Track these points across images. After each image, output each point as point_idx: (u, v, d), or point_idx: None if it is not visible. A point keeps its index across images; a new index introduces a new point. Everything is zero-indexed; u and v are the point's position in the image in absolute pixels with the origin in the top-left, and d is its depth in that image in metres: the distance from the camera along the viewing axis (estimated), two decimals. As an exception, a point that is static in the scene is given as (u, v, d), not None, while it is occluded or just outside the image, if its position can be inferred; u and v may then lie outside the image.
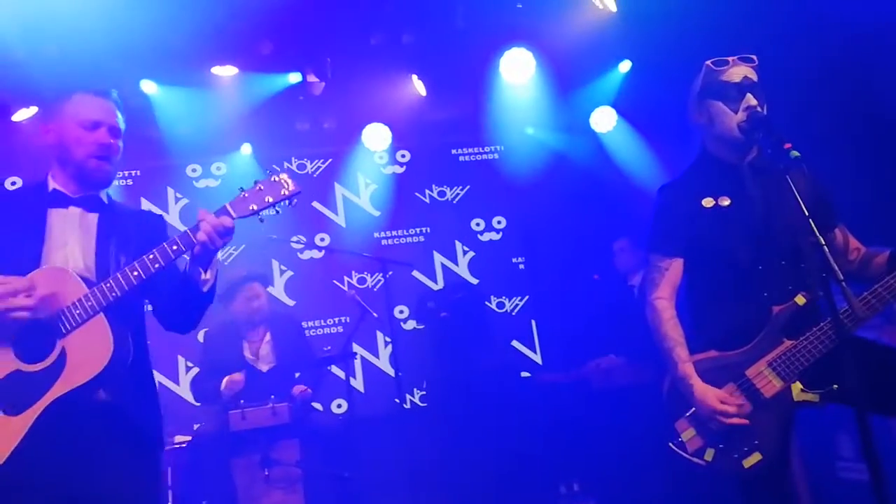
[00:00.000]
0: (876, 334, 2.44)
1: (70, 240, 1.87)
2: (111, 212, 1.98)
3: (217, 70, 4.35)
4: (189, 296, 1.87)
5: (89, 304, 1.71)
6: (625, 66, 4.71)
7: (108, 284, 1.73)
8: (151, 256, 1.75)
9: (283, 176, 1.83)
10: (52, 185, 1.93)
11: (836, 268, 1.69)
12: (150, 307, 2.05)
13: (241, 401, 3.64)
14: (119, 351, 1.72)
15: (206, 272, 1.86)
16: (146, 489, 1.83)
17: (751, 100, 2.06)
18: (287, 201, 1.83)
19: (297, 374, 4.00)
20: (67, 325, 1.72)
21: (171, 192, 5.17)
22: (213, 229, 1.76)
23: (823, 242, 1.72)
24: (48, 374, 1.69)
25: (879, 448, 1.63)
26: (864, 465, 1.64)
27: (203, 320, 4.42)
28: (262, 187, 1.82)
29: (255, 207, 1.81)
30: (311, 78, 4.45)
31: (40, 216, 1.87)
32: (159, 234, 1.99)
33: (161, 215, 2.04)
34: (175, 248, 1.77)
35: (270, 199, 1.81)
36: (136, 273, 1.74)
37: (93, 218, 1.93)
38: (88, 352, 1.70)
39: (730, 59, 2.13)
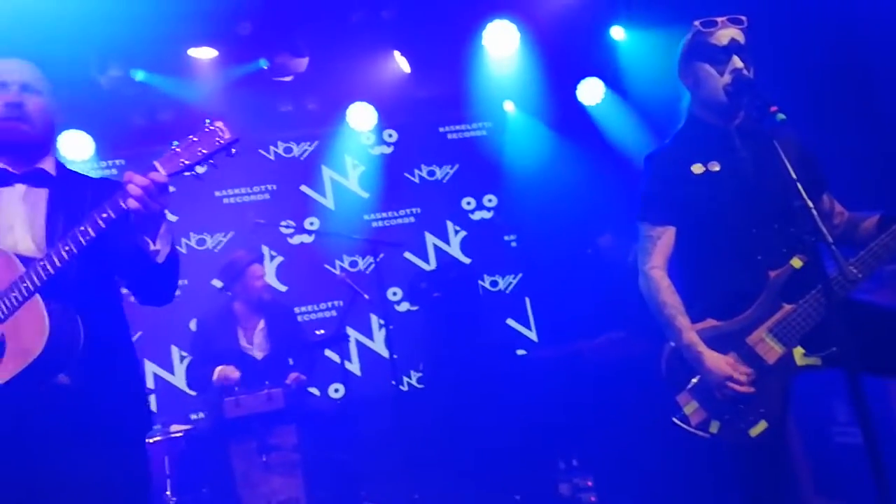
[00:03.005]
0: (871, 297, 2.42)
1: (17, 219, 1.75)
2: (62, 184, 1.83)
3: (194, 52, 4.26)
4: (145, 269, 1.71)
5: (24, 285, 1.60)
6: (617, 32, 4.63)
7: (42, 263, 1.61)
8: (82, 228, 1.60)
9: (219, 124, 1.64)
10: None
11: (826, 231, 1.67)
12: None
13: (236, 387, 3.63)
14: (59, 333, 1.59)
15: (154, 242, 1.68)
16: (118, 479, 1.70)
17: (737, 62, 2.02)
18: (223, 152, 1.64)
19: (290, 361, 3.99)
20: (5, 310, 1.62)
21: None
22: (144, 191, 1.58)
23: (812, 205, 1.69)
24: None
25: (873, 412, 1.61)
26: (858, 430, 1.63)
27: (195, 308, 4.44)
28: (194, 139, 1.63)
29: (187, 162, 1.62)
30: (282, 59, 4.37)
31: None
32: None
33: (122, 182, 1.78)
34: (105, 216, 1.61)
35: (204, 151, 1.62)
36: (67, 248, 1.60)
37: (41, 193, 1.79)
38: (25, 337, 1.59)
39: (718, 19, 2.08)
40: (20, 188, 1.79)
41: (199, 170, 1.64)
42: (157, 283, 1.81)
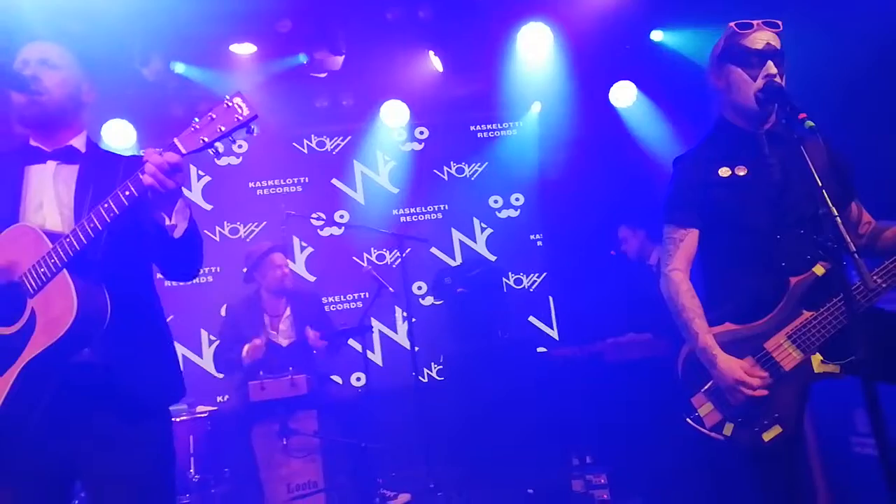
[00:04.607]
0: (893, 308, 2.39)
1: (46, 197, 1.79)
2: (91, 161, 1.87)
3: (235, 48, 4.38)
4: (163, 244, 1.72)
5: (52, 261, 1.62)
6: (657, 34, 4.63)
7: (68, 239, 1.62)
8: (106, 205, 1.61)
9: (237, 100, 1.60)
10: (33, 141, 1.87)
11: (849, 239, 1.65)
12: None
13: (261, 372, 3.72)
14: (87, 308, 1.60)
15: (169, 217, 1.69)
16: (139, 453, 1.73)
17: (771, 68, 2.00)
18: (243, 128, 1.61)
19: (314, 351, 4.07)
20: (35, 285, 1.63)
21: (193, 169, 5.25)
22: (158, 168, 1.59)
23: (836, 213, 1.68)
24: (21, 337, 1.63)
25: (890, 422, 1.60)
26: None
27: (225, 294, 4.54)
28: (214, 115, 1.61)
29: (207, 139, 1.60)
30: (320, 55, 4.45)
31: (17, 175, 1.81)
32: None
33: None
34: (128, 193, 1.62)
35: (223, 129, 1.60)
36: (92, 224, 1.61)
37: (71, 170, 1.83)
38: (55, 312, 1.60)
39: (754, 22, 2.05)
40: (51, 165, 1.83)
41: (219, 147, 1.64)
42: (176, 258, 1.82)
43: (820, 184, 1.73)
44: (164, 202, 1.68)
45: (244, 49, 4.41)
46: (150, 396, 1.79)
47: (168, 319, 1.98)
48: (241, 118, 1.59)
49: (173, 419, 3.54)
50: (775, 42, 2.05)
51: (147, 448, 1.75)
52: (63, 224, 1.75)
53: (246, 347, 3.78)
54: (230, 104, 1.60)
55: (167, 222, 1.69)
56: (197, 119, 1.62)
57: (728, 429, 1.99)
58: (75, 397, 1.67)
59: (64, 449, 1.68)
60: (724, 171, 2.09)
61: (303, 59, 4.54)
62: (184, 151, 1.61)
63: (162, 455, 1.79)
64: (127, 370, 1.72)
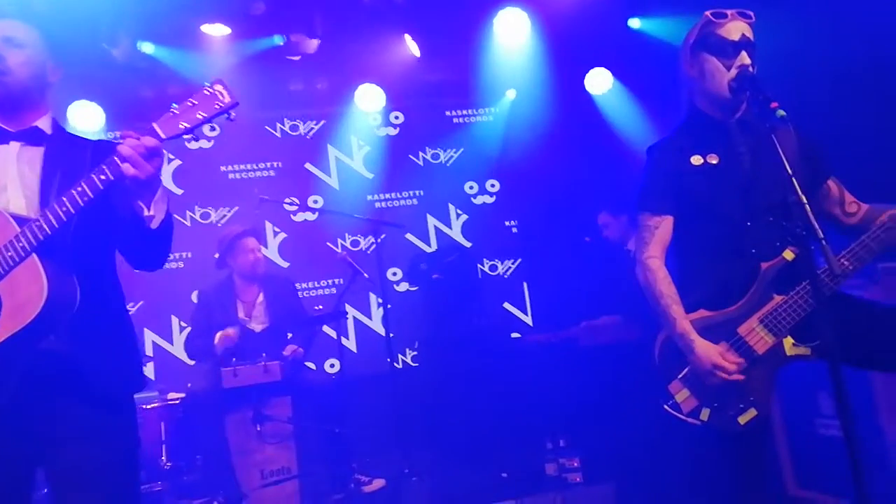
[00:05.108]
0: (861, 293, 2.46)
1: (9, 178, 1.73)
2: (57, 143, 1.81)
3: (207, 28, 4.28)
4: (139, 234, 1.68)
5: (20, 244, 1.57)
6: (634, 22, 4.66)
7: (38, 223, 1.58)
8: (80, 188, 1.57)
9: (218, 87, 1.59)
10: None
11: (817, 226, 1.68)
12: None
13: (234, 359, 3.68)
14: (57, 294, 1.57)
15: (148, 208, 1.65)
16: (104, 442, 1.70)
17: (745, 58, 2.04)
18: (223, 115, 1.60)
19: (289, 335, 4.04)
20: (1, 269, 1.59)
21: (164, 154, 5.14)
22: (136, 152, 1.55)
23: (805, 201, 1.71)
24: None
25: (855, 405, 1.65)
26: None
27: (197, 280, 4.47)
28: (194, 101, 1.59)
29: (187, 125, 1.59)
30: (296, 38, 4.39)
31: None
32: None
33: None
34: (103, 177, 1.57)
35: (204, 115, 1.58)
36: (64, 208, 1.58)
37: (36, 152, 1.77)
38: (22, 296, 1.56)
39: (728, 12, 2.08)
40: (14, 146, 1.77)
41: (197, 133, 1.64)
42: (150, 248, 1.79)
43: (790, 172, 1.76)
44: (144, 190, 1.63)
45: (216, 30, 4.32)
46: (115, 384, 1.75)
47: (139, 306, 1.93)
48: (221, 105, 1.59)
49: (144, 406, 3.55)
50: (749, 33, 2.08)
51: (112, 437, 1.72)
52: (28, 208, 1.69)
53: (219, 335, 3.73)
54: (211, 91, 1.59)
55: (145, 213, 1.64)
56: (175, 105, 1.59)
57: (705, 414, 2.03)
58: (40, 384, 1.64)
59: (28, 435, 1.65)
60: (697, 160, 2.13)
61: (279, 40, 4.47)
62: (163, 136, 1.58)
63: (127, 443, 1.77)
64: (91, 357, 1.69)
